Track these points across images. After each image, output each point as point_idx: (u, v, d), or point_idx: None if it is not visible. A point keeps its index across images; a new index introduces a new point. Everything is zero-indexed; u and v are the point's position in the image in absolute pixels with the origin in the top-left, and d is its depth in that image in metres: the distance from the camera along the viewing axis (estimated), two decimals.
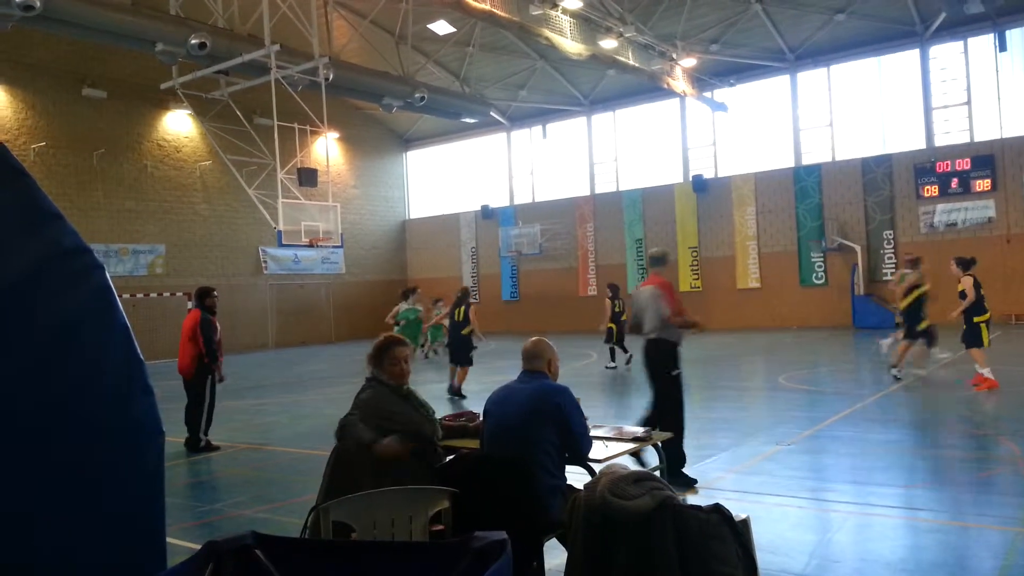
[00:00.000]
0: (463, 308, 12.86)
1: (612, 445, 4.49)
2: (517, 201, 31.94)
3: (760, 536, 4.86)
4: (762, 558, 4.38)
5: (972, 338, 10.65)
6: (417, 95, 22.24)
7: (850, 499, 5.89)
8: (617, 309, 15.24)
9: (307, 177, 20.98)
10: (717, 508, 2.92)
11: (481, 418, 4.25)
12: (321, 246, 21.32)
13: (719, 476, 6.65)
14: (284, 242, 19.41)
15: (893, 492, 5.95)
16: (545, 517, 3.64)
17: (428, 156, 34.83)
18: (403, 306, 15.45)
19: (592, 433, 4.31)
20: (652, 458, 5.72)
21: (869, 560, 4.50)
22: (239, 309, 26.78)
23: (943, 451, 7.30)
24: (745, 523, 2.96)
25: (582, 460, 4.05)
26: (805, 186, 24.98)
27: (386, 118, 31.13)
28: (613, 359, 15.15)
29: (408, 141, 34.67)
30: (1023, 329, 19.46)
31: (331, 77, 19.10)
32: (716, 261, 26.66)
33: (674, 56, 23.44)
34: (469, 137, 32.81)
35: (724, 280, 26.39)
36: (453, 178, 33.93)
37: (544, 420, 3.84)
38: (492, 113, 28.03)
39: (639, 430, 4.79)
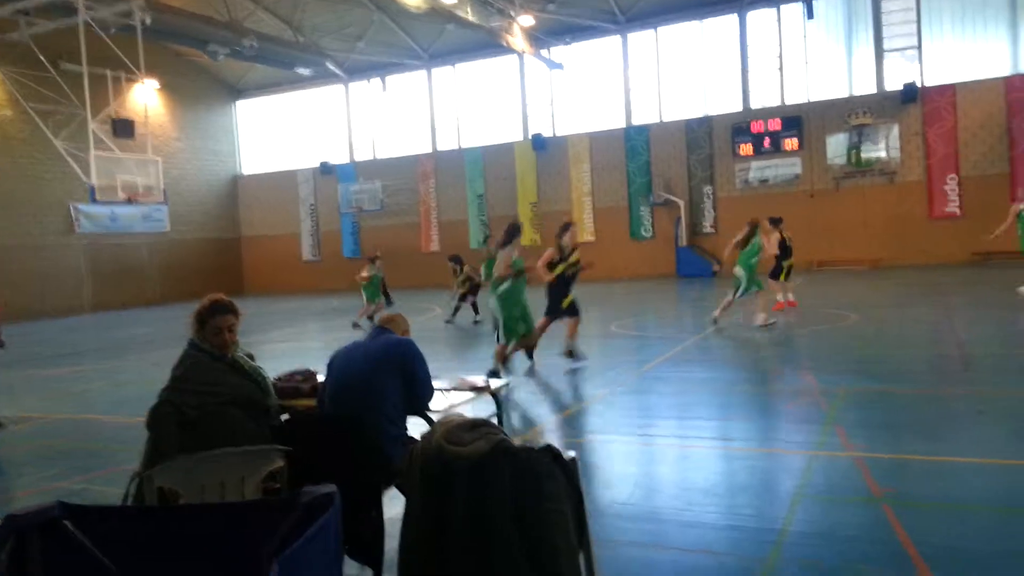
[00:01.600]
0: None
1: (452, 395, 4.58)
2: (357, 157, 31.15)
3: (590, 472, 5.19)
4: (591, 492, 4.67)
5: (774, 273, 13.23)
6: (246, 43, 20.99)
7: (671, 433, 6.36)
8: (462, 277, 15.68)
9: (123, 128, 19.39)
10: (548, 448, 3.06)
11: (321, 376, 4.19)
12: (140, 203, 19.84)
13: (555, 420, 6.95)
14: (98, 198, 17.89)
15: (709, 425, 6.48)
16: (387, 467, 3.66)
17: (261, 108, 33.06)
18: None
19: (434, 384, 4.37)
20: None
21: (686, 487, 4.91)
22: (48, 272, 24.53)
23: (754, 387, 8.01)
24: (574, 461, 3.13)
25: (423, 410, 4.10)
26: (635, 145, 26.10)
27: (213, 67, 29.23)
28: (476, 312, 15.41)
29: (239, 91, 32.71)
30: (823, 274, 21.53)
31: (148, 21, 17.60)
32: (555, 216, 27.39)
33: (512, 13, 23.51)
34: (305, 88, 31.43)
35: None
36: (289, 132, 32.50)
37: (389, 371, 3.87)
38: (328, 65, 27.02)
39: (479, 379, 4.91)
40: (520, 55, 25.89)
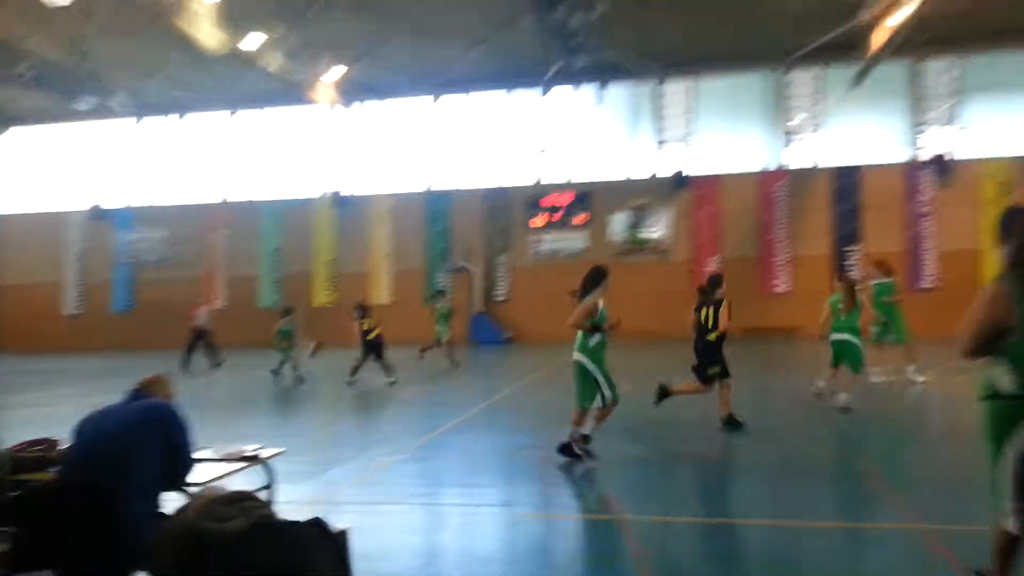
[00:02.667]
0: (711, 308, 9.03)
1: (219, 467, 4.29)
2: (140, 202, 28.97)
3: (366, 544, 5.01)
4: (367, 566, 4.51)
5: None
6: (22, 66, 19.07)
7: (453, 500, 6.37)
8: (366, 327, 14.36)
9: None
10: (315, 521, 2.94)
11: (66, 444, 3.76)
12: None
13: (335, 490, 6.71)
14: None
15: (491, 491, 6.56)
16: (135, 548, 3.32)
17: (32, 140, 29.88)
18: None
19: (198, 455, 4.07)
20: None
21: (465, 555, 4.90)
22: None
23: (535, 452, 8.24)
24: (343, 533, 3.02)
25: (181, 483, 3.79)
26: (436, 210, 26.59)
27: None
28: (388, 373, 14.18)
29: (8, 119, 29.37)
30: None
31: None
32: (352, 276, 27.03)
33: (319, 66, 23.32)
34: (85, 121, 28.78)
35: (359, 295, 26.83)
36: (61, 169, 29.60)
37: (145, 438, 3.54)
38: (114, 100, 25.11)
39: (249, 448, 4.64)
40: (325, 108, 25.58)
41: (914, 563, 4.65)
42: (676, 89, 25.60)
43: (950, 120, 23.76)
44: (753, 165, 25.20)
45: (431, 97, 27.00)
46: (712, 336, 8.80)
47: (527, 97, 26.71)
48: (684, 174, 24.76)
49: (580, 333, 7.46)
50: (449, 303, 18.31)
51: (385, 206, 26.97)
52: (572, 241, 25.65)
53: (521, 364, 16.87)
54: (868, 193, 23.49)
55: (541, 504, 6.20)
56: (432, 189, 27.08)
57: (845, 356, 9.94)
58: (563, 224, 25.67)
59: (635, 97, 26.34)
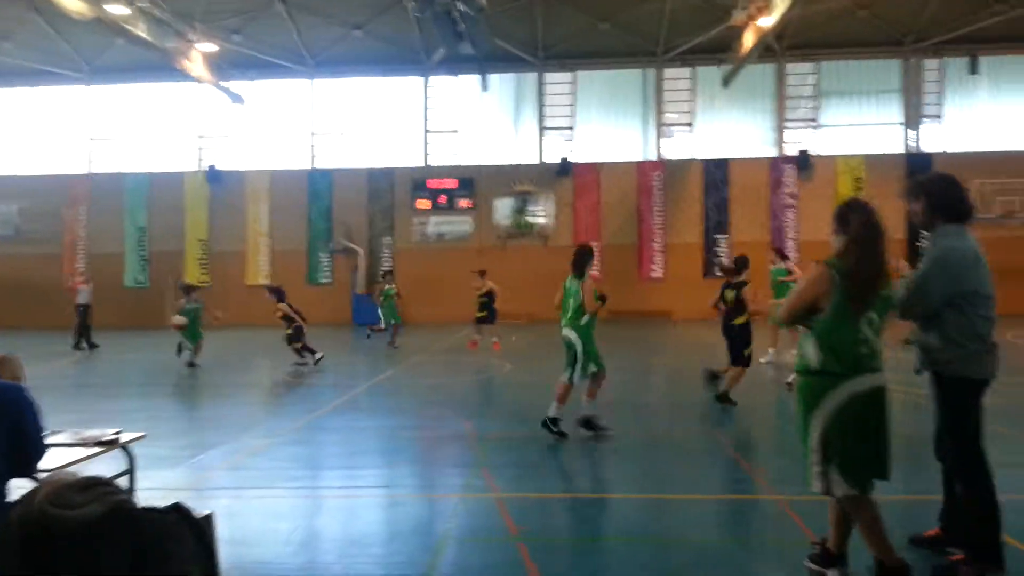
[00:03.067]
0: (735, 290, 8.94)
1: (74, 452, 4.04)
2: None
3: (236, 530, 4.89)
4: (235, 551, 4.41)
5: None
6: None
7: (329, 483, 6.29)
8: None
9: None
10: (176, 507, 2.83)
11: None
12: None
13: (205, 475, 6.47)
14: None
15: (368, 473, 6.52)
16: None
17: None
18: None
19: (52, 439, 3.82)
20: None
21: (339, 539, 4.85)
22: None
23: (415, 433, 8.24)
24: (207, 519, 2.92)
25: (31, 470, 3.55)
26: (318, 189, 25.91)
27: None
28: (303, 356, 13.70)
29: None
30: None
31: None
32: (226, 255, 25.96)
33: (192, 38, 22.14)
34: None
35: (234, 275, 25.85)
36: None
37: None
38: None
39: (108, 432, 4.40)
40: (198, 82, 24.36)
41: (770, 531, 4.98)
42: (559, 79, 26.00)
43: (810, 119, 25.38)
44: (632, 155, 25.98)
45: (310, 77, 26.22)
46: (739, 320, 8.86)
47: (411, 82, 26.43)
48: (567, 162, 25.22)
49: (572, 312, 7.64)
50: (394, 285, 17.62)
51: (263, 183, 26.02)
52: (458, 224, 25.66)
53: (404, 346, 16.77)
54: (736, 185, 24.73)
55: (421, 485, 6.22)
56: (314, 167, 26.37)
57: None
58: (449, 207, 25.61)
59: (519, 86, 26.56)
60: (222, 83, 24.96)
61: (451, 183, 25.68)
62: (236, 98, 25.82)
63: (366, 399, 10.30)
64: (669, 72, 25.70)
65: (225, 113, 26.51)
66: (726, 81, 23.82)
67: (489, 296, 16.01)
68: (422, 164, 26.23)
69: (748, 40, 19.97)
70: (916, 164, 24.49)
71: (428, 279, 24.85)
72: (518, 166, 25.83)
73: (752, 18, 18.92)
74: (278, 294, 14.09)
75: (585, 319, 7.61)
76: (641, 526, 5.02)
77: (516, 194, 25.33)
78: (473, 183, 25.59)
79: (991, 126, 24.93)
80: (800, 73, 25.43)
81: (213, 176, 25.77)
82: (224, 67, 24.57)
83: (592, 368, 7.56)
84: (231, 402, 10.50)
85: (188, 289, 14.47)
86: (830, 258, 3.78)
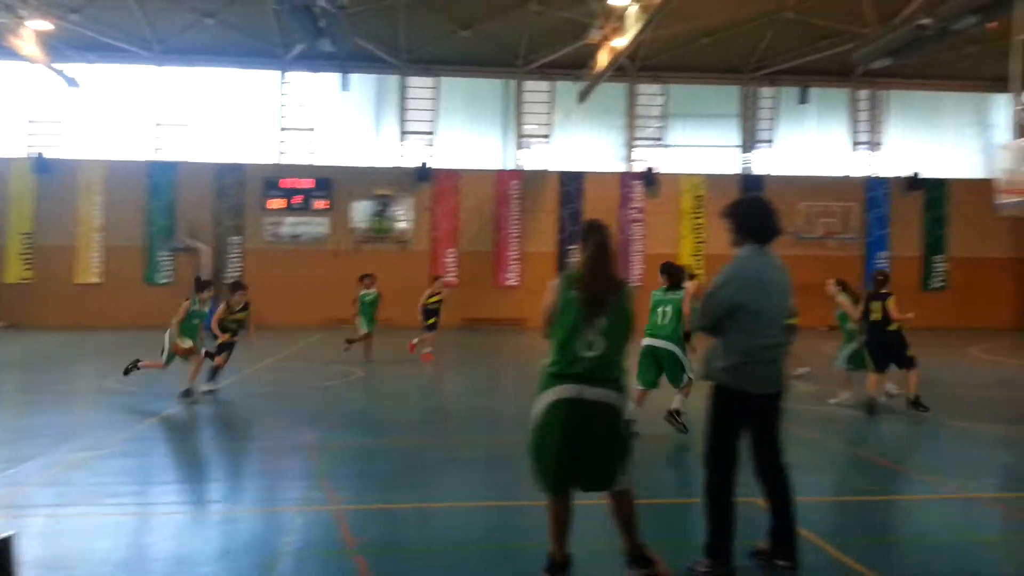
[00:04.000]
0: (881, 302, 9.51)
1: None
2: None
3: (48, 552, 4.57)
4: (41, 575, 4.11)
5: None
6: None
7: (160, 500, 5.97)
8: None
9: None
10: None
11: None
12: None
13: (18, 491, 5.96)
14: None
15: (200, 487, 6.24)
16: None
17: None
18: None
19: None
20: None
21: (163, 559, 4.60)
22: None
23: (253, 444, 7.97)
24: (5, 542, 2.73)
25: None
26: (159, 183, 24.45)
27: None
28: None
29: None
30: (344, 331, 22.56)
31: None
32: (53, 250, 23.95)
33: (23, 13, 20.26)
34: None
35: (61, 272, 23.90)
36: None
37: None
38: None
39: None
40: (28, 62, 22.30)
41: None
42: (422, 84, 25.96)
43: (657, 138, 26.77)
44: (491, 164, 26.34)
45: (156, 64, 24.75)
46: (894, 327, 9.46)
47: (266, 76, 25.53)
48: (427, 167, 25.20)
49: (670, 323, 7.88)
50: (375, 290, 15.22)
51: (98, 174, 24.22)
52: (313, 226, 24.98)
53: (248, 352, 16.08)
54: (589, 198, 25.63)
55: (257, 499, 6.02)
56: (156, 159, 24.88)
57: None
58: (304, 208, 24.89)
59: (381, 87, 26.30)
60: (56, 65, 23.00)
61: (307, 183, 24.97)
62: (71, 82, 23.86)
63: (203, 408, 9.83)
64: (529, 84, 26.27)
65: (58, 97, 24.48)
66: (582, 97, 24.65)
67: (439, 302, 15.24)
68: (276, 162, 25.36)
69: (603, 59, 20.79)
70: (750, 185, 26.37)
71: (279, 281, 24.02)
72: (378, 169, 25.54)
73: (607, 38, 19.71)
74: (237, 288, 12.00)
75: (679, 330, 7.91)
76: (483, 534, 5.11)
77: (375, 197, 25.04)
78: (330, 184, 25.02)
79: (817, 152, 27.25)
80: (650, 94, 26.73)
81: (41, 165, 23.72)
82: (60, 47, 22.66)
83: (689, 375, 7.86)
84: (50, 411, 9.71)
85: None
86: (568, 271, 4.12)
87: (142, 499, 5.99)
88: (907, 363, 9.53)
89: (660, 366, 7.91)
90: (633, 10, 17.43)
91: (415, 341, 14.91)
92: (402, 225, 25.30)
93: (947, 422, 9.10)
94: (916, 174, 26.42)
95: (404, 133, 25.99)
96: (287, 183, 24.84)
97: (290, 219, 24.91)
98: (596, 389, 3.87)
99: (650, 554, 4.06)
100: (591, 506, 4.17)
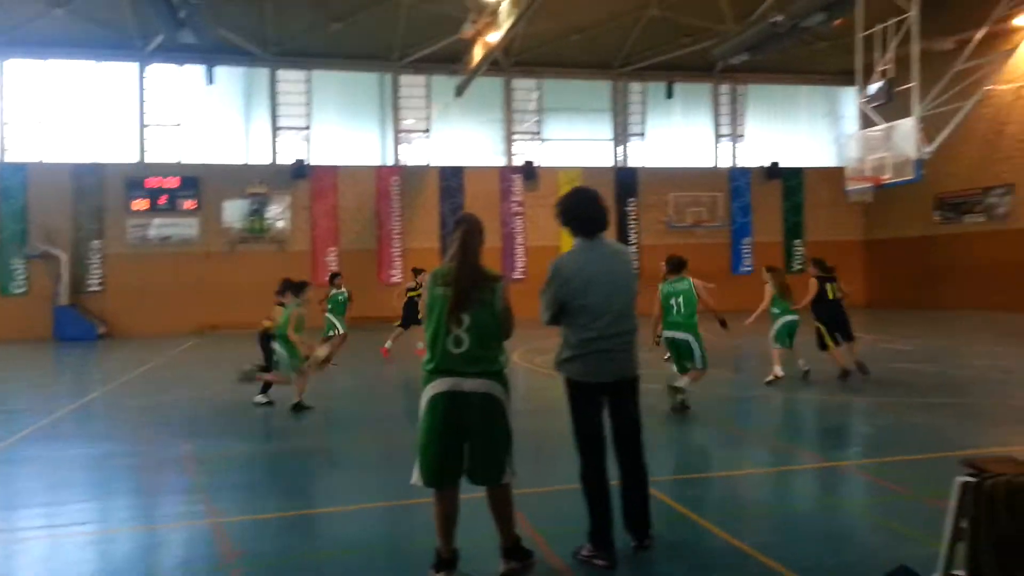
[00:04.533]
0: (832, 283, 11.07)
1: None
2: None
3: None
4: None
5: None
6: None
7: (25, 524, 5.59)
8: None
9: None
10: None
11: None
12: None
13: None
14: None
15: (71, 509, 5.87)
16: None
17: None
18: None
19: None
20: None
21: None
22: None
23: (127, 460, 7.57)
24: None
25: None
26: (9, 186, 22.68)
27: None
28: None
29: None
30: (217, 337, 21.73)
31: None
32: None
33: None
34: None
35: None
36: None
37: None
38: None
39: None
40: None
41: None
42: (293, 77, 25.26)
43: (535, 132, 27.20)
44: (370, 160, 25.98)
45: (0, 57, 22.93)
46: (844, 301, 10.71)
47: (125, 69, 24.10)
48: (303, 164, 24.56)
49: (686, 312, 8.37)
50: (345, 289, 14.56)
51: None
52: (181, 228, 23.86)
53: (116, 363, 15.26)
54: (470, 193, 25.76)
55: (132, 518, 5.73)
56: (4, 160, 23.03)
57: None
58: (170, 208, 23.70)
59: (249, 81, 25.38)
60: None
61: (173, 182, 23.80)
62: None
63: (70, 424, 9.25)
64: (405, 79, 26.05)
65: None
66: (459, 91, 24.70)
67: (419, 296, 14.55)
68: (138, 160, 24.02)
69: (478, 53, 20.91)
70: (624, 177, 27.31)
71: (147, 287, 22.89)
72: (250, 167, 24.67)
73: (480, 33, 19.84)
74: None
75: (695, 318, 8.42)
76: (369, 536, 5.09)
77: (248, 196, 24.18)
78: (198, 183, 23.95)
79: (685, 145, 28.47)
80: (525, 89, 27.11)
81: None
82: None
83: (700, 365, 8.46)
84: None
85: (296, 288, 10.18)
86: (438, 267, 4.10)
87: (5, 524, 5.58)
88: (851, 334, 10.70)
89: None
90: (505, 5, 17.62)
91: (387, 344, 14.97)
92: (279, 225, 24.57)
93: (819, 396, 9.80)
94: (775, 164, 28.11)
95: (277, 129, 25.21)
96: (152, 183, 23.61)
97: (157, 221, 23.69)
98: (474, 380, 3.92)
99: (524, 547, 4.17)
100: (479, 499, 4.24)
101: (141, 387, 12.48)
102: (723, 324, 8.68)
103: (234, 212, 24.17)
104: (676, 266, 8.51)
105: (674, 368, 8.70)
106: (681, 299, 8.31)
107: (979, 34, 15.98)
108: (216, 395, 11.15)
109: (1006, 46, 17.52)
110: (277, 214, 24.51)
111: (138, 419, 9.71)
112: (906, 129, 13.82)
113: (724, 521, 5.00)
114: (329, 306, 14.27)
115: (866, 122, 14.99)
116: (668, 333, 8.48)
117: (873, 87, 14.36)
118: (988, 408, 8.94)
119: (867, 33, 14.53)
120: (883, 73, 14.36)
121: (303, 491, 6.23)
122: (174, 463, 7.23)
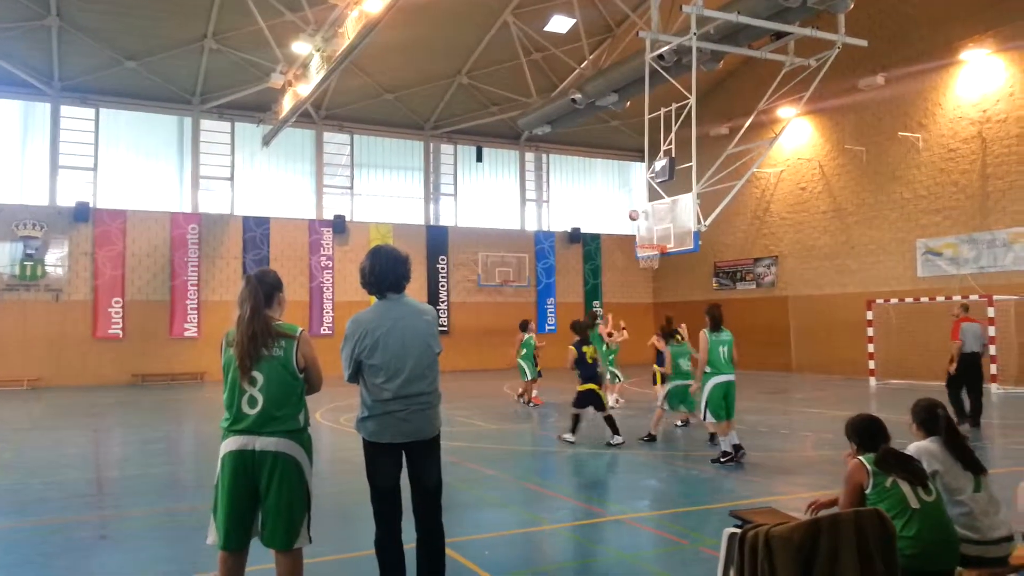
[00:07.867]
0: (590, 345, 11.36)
1: None
2: None
3: None
4: None
5: None
6: None
7: None
8: None
9: None
10: None
11: None
12: None
13: None
14: None
15: None
16: None
17: None
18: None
19: None
20: None
21: None
22: None
23: None
24: None
25: None
26: None
27: None
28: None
29: None
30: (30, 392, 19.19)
31: None
32: None
33: None
34: None
35: None
36: None
37: None
38: None
39: None
40: None
41: None
42: (79, 115, 23.39)
43: (347, 186, 27.01)
44: (166, 205, 24.45)
45: None
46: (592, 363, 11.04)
47: None
48: (86, 206, 22.59)
49: (730, 360, 9.22)
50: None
51: None
52: None
53: None
54: (277, 245, 24.94)
55: None
56: None
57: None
58: None
59: (29, 116, 23.19)
60: None
61: None
62: None
63: None
64: (208, 123, 24.97)
65: None
66: (266, 141, 24.05)
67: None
68: None
69: (287, 103, 20.52)
70: (435, 235, 27.75)
71: None
72: (25, 207, 22.34)
73: (291, 83, 19.52)
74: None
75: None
76: None
77: (20, 239, 21.84)
78: None
79: (493, 206, 29.49)
80: (337, 143, 26.94)
81: None
82: None
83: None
84: None
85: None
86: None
87: None
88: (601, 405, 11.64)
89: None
90: (315, 59, 17.54)
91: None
92: (56, 271, 22.34)
93: (607, 451, 10.31)
94: (576, 229, 29.84)
95: (57, 167, 23.09)
96: None
97: None
98: (267, 439, 3.80)
99: None
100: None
101: None
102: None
103: (4, 256, 21.70)
104: (715, 318, 9.31)
105: (714, 419, 9.17)
106: (726, 348, 9.18)
107: (747, 122, 18.04)
108: None
109: (769, 134, 19.96)
110: (54, 260, 22.29)
111: None
112: (686, 204, 15.23)
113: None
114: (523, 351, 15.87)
115: (653, 195, 16.36)
116: (717, 379, 9.09)
117: (658, 164, 15.73)
118: (759, 460, 9.87)
119: (653, 116, 15.97)
120: (667, 152, 15.80)
121: (67, 569, 5.59)
122: None
